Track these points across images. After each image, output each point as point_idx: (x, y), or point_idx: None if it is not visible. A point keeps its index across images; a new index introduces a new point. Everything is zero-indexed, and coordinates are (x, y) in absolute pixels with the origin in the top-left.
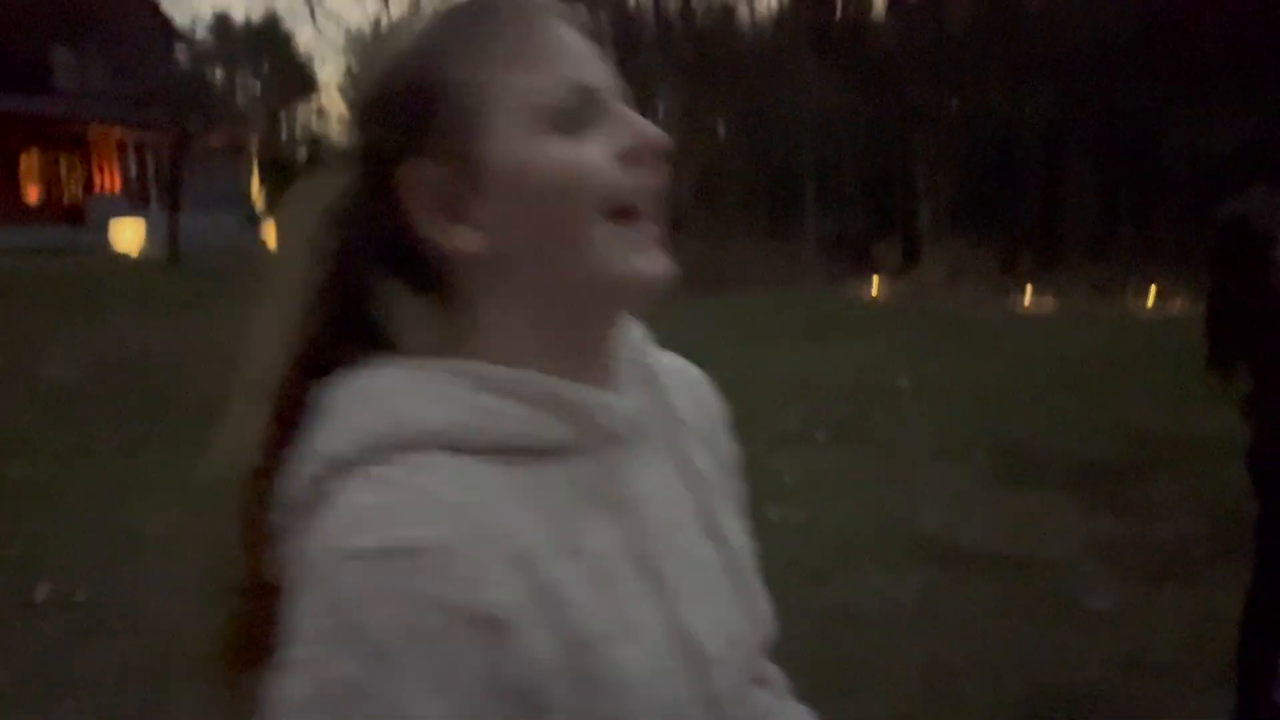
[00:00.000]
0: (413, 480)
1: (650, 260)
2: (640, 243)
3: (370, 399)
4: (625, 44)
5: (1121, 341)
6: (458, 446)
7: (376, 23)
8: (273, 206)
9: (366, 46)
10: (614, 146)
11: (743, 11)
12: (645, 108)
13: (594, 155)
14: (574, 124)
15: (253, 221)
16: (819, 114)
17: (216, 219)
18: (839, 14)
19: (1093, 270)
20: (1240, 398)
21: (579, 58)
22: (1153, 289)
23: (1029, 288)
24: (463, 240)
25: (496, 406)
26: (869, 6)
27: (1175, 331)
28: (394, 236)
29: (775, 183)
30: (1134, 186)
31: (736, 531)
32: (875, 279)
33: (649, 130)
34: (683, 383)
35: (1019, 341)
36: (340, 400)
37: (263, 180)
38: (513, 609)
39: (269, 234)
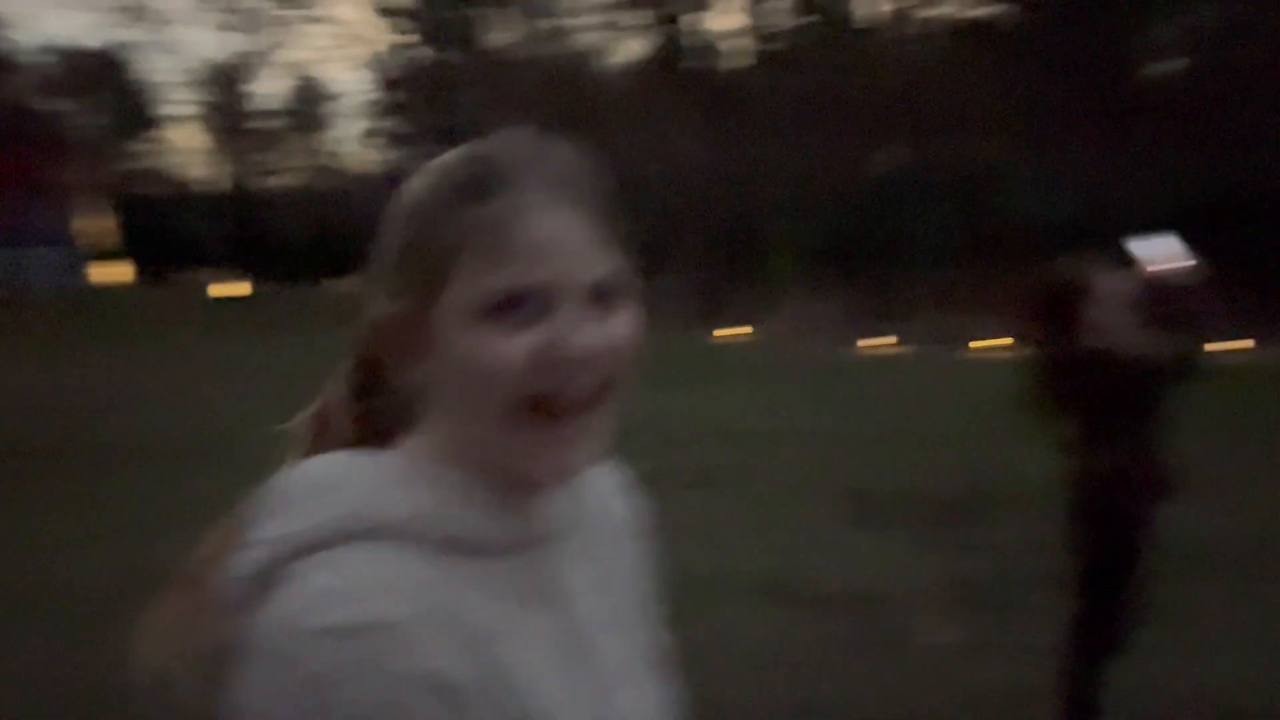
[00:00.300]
0: (373, 564)
1: (546, 460)
2: (546, 440)
3: (329, 488)
4: (480, 89)
5: (966, 385)
6: (412, 538)
7: (230, 56)
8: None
9: (415, 175)
10: (538, 347)
11: (603, 59)
12: None
13: (511, 354)
14: (512, 319)
15: (86, 258)
16: (680, 162)
17: (50, 254)
18: (698, 64)
19: (942, 318)
20: (1061, 440)
21: (543, 254)
22: (997, 336)
23: (882, 335)
24: (410, 378)
25: (446, 506)
26: (730, 58)
27: (1015, 376)
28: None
29: (634, 230)
30: (981, 240)
31: (650, 622)
32: (734, 325)
33: (571, 343)
34: (604, 484)
35: (872, 386)
36: (299, 487)
37: (101, 216)
38: (468, 678)
39: (98, 271)
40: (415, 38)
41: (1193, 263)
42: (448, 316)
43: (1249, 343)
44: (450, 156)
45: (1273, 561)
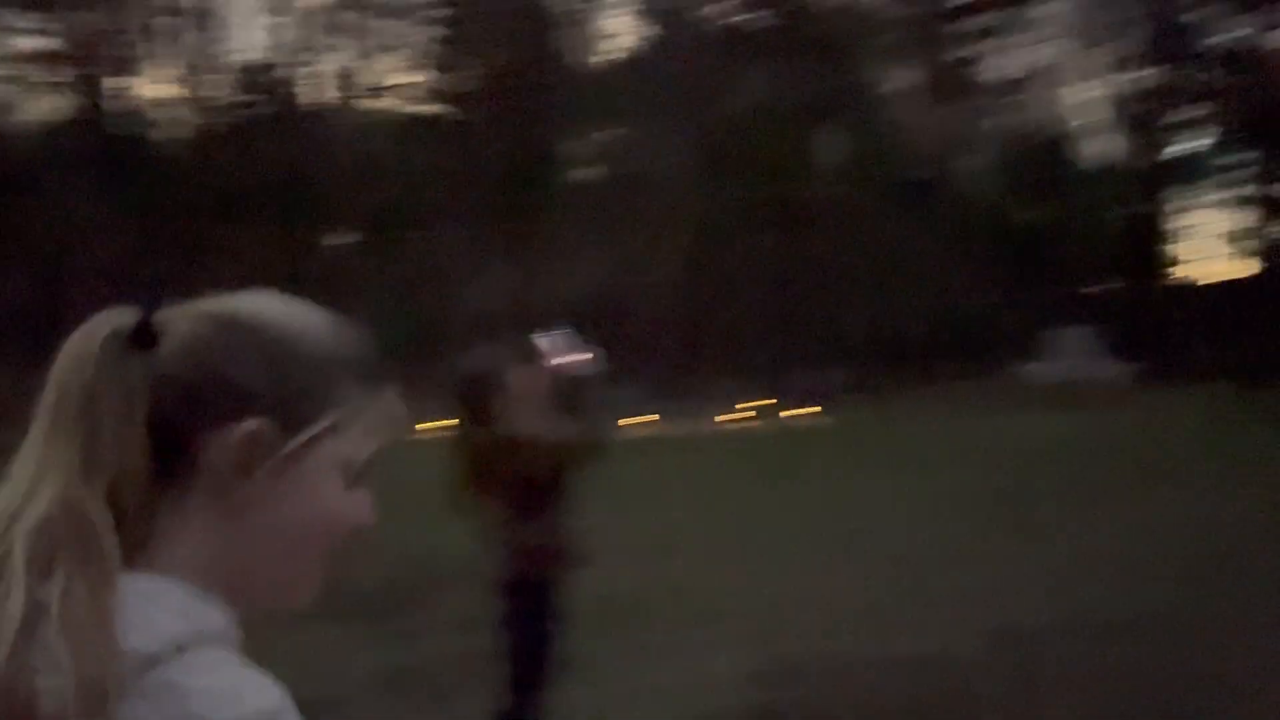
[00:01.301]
0: (227, 664)
1: (313, 590)
2: (320, 575)
3: (150, 604)
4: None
5: (406, 468)
6: (227, 644)
7: None
8: None
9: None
10: (370, 508)
11: (12, 116)
12: None
13: (366, 510)
14: (357, 480)
15: None
16: (95, 233)
17: None
18: (125, 131)
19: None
20: (482, 519)
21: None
22: (440, 419)
23: None
24: (237, 494)
25: (224, 618)
26: (164, 129)
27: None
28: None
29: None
30: (427, 326)
31: None
32: None
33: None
34: None
35: None
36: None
37: None
38: None
39: None
40: None
41: (590, 355)
42: (319, 460)
43: (655, 417)
44: (326, 323)
45: (680, 611)
